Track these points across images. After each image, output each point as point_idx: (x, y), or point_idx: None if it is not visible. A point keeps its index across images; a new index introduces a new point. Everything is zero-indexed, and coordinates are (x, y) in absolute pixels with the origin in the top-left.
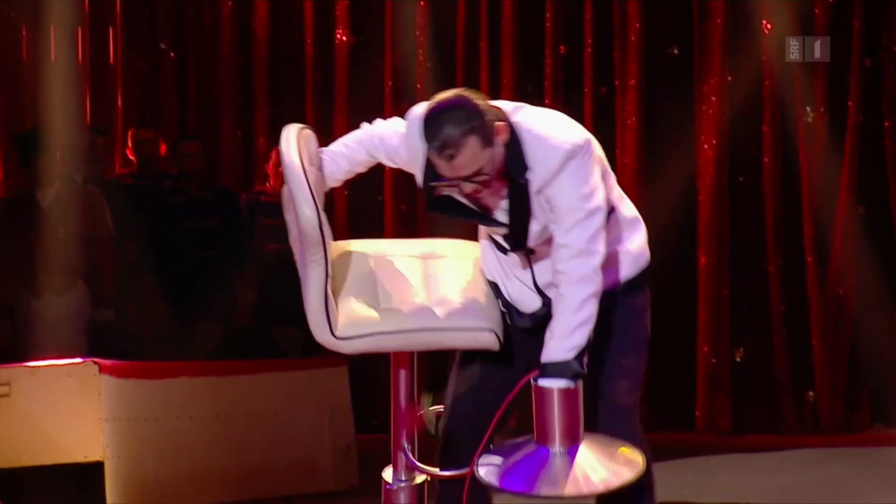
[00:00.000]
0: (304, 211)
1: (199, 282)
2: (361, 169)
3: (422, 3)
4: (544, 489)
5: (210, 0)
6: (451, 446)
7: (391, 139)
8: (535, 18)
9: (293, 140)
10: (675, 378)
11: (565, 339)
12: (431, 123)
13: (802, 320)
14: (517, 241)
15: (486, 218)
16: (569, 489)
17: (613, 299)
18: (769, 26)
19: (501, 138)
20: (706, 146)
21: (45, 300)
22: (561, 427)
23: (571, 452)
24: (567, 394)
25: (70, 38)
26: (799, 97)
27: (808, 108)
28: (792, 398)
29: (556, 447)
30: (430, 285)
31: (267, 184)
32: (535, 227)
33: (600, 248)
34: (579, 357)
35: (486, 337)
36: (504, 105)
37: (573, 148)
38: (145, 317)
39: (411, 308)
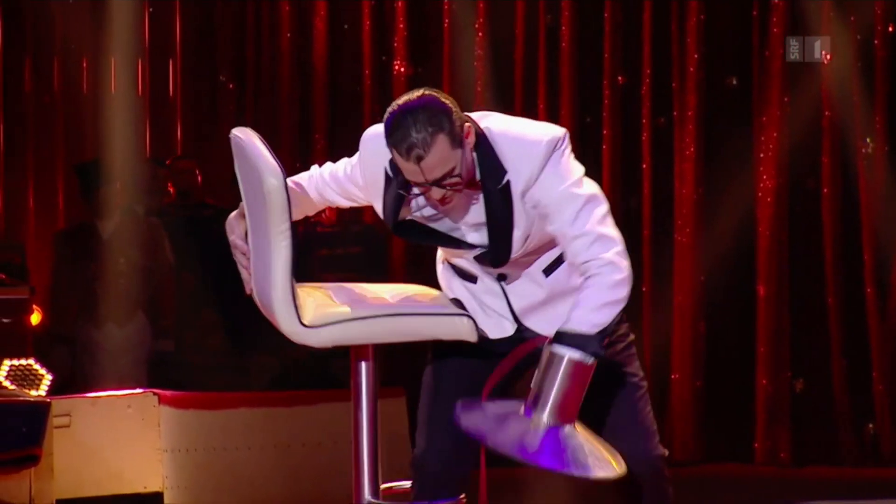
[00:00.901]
0: (268, 178)
1: (257, 314)
2: (309, 211)
3: (479, 34)
4: (543, 461)
5: (269, 32)
6: (426, 480)
7: (343, 171)
8: (594, 49)
9: (249, 130)
10: (734, 409)
11: (592, 312)
12: (397, 125)
13: (862, 351)
14: (499, 254)
15: (454, 240)
16: (550, 461)
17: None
18: (828, 57)
19: (470, 140)
20: (765, 177)
21: (106, 330)
22: (560, 400)
23: (555, 430)
24: (579, 368)
25: (130, 69)
26: (858, 128)
27: (867, 139)
28: (852, 430)
29: (544, 418)
30: (389, 296)
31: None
32: (517, 234)
33: (616, 234)
34: (600, 338)
35: (463, 323)
36: (469, 114)
37: (552, 140)
38: (203, 348)
39: (379, 301)
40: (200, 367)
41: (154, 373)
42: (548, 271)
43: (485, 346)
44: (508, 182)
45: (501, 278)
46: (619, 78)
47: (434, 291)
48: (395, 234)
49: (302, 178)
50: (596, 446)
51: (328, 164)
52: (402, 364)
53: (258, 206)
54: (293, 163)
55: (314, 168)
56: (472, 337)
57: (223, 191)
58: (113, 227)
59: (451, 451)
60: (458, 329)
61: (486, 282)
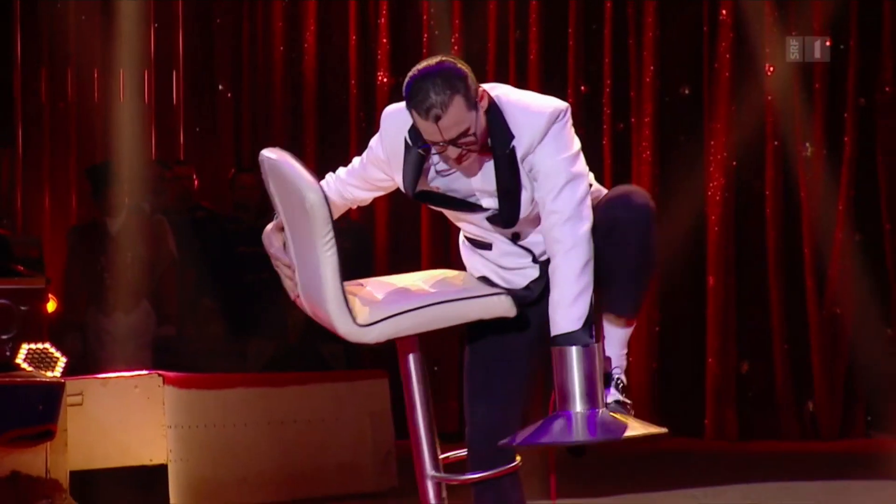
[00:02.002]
0: (308, 194)
1: (253, 303)
2: (334, 215)
3: (455, 47)
4: (576, 436)
5: (263, 46)
6: (477, 450)
7: (361, 161)
8: (559, 61)
9: (278, 149)
10: (686, 390)
11: (569, 309)
12: (417, 89)
13: (802, 337)
14: (510, 215)
15: (469, 205)
16: (600, 434)
17: None
18: (771, 69)
19: (483, 104)
20: (714, 178)
21: (114, 318)
22: (581, 386)
23: (593, 412)
24: (584, 353)
25: (137, 79)
26: (799, 133)
27: (807, 144)
28: (793, 408)
29: (578, 407)
30: (426, 285)
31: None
32: (525, 196)
33: (589, 214)
34: (586, 327)
35: (503, 301)
36: (482, 84)
37: (555, 111)
38: (204, 334)
39: (419, 291)
40: (202, 351)
41: (159, 356)
42: None
43: (519, 316)
44: (514, 147)
45: (515, 238)
46: (582, 87)
47: (458, 271)
48: (415, 199)
49: (328, 182)
50: (629, 418)
51: (341, 168)
52: (385, 349)
53: (300, 220)
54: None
55: (329, 175)
56: (512, 312)
57: (219, 191)
58: (121, 223)
59: (496, 423)
60: (498, 307)
61: (501, 245)
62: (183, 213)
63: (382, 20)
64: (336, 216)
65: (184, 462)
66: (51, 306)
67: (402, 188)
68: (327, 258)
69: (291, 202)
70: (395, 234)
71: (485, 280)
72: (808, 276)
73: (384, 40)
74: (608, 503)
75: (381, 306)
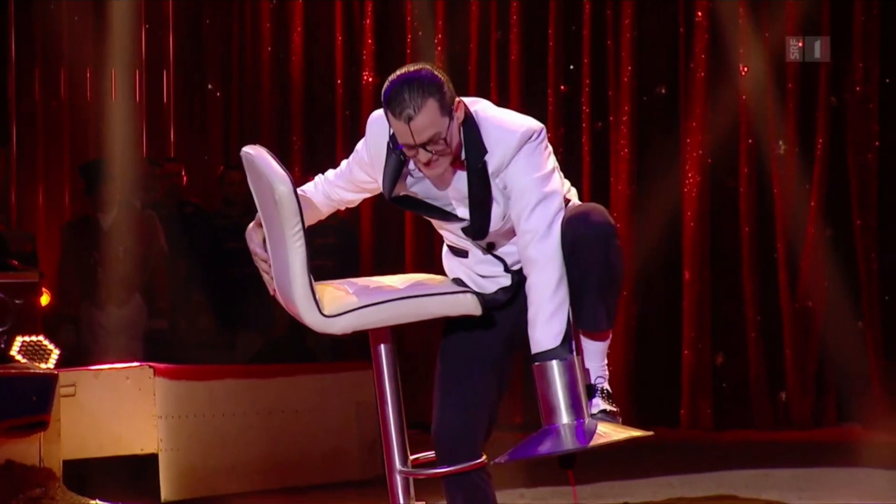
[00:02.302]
0: (278, 186)
1: (242, 296)
2: (320, 216)
3: (439, 48)
4: (566, 445)
5: (252, 46)
6: (444, 447)
7: (348, 163)
8: (539, 61)
9: (258, 146)
10: (662, 381)
11: (546, 326)
12: (394, 91)
13: (775, 329)
14: (479, 228)
15: (444, 213)
16: (587, 441)
17: None
18: (745, 69)
19: (459, 115)
20: (690, 175)
21: (107, 311)
22: (566, 399)
23: (579, 422)
24: (564, 367)
25: (129, 79)
26: (772, 132)
27: (780, 142)
28: (766, 398)
29: (565, 419)
30: (399, 284)
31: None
32: (496, 211)
33: (558, 230)
34: (565, 342)
35: (468, 299)
36: (463, 98)
37: (528, 131)
38: (194, 327)
39: (388, 288)
40: (192, 343)
41: (150, 348)
42: None
43: (488, 316)
44: (486, 162)
45: (490, 247)
46: (562, 87)
47: (439, 276)
48: (392, 202)
49: (308, 187)
50: (616, 425)
51: (330, 171)
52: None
53: (272, 213)
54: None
55: (318, 177)
56: (477, 311)
57: (208, 188)
58: (113, 219)
59: (462, 420)
60: (463, 305)
61: (477, 253)
62: (172, 208)
63: (368, 21)
64: (323, 216)
65: (174, 451)
66: (44, 300)
67: (380, 187)
68: (295, 249)
69: (265, 196)
70: (379, 237)
71: (459, 283)
72: (781, 271)
73: (369, 41)
74: (586, 491)
75: (348, 299)
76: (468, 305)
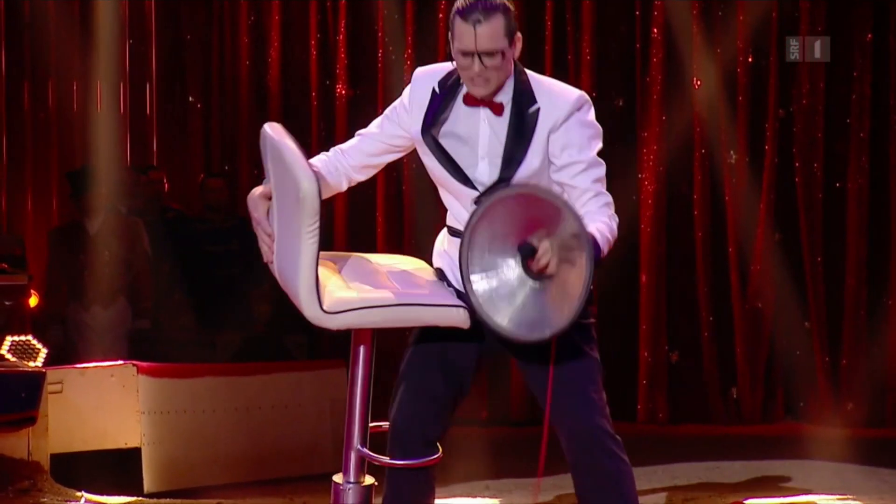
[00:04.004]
0: (303, 182)
1: (222, 297)
2: (325, 193)
3: (408, 62)
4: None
5: (231, 60)
6: (400, 438)
7: (381, 122)
8: None
9: (279, 128)
10: (620, 377)
11: (603, 239)
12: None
13: (727, 328)
14: (508, 169)
15: (462, 175)
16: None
17: None
18: (699, 83)
19: (515, 51)
20: (646, 183)
21: (92, 312)
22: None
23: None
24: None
25: (113, 91)
26: (724, 142)
27: (731, 152)
28: (719, 395)
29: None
30: (394, 280)
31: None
32: (524, 169)
33: (608, 196)
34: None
35: (460, 313)
36: None
37: (584, 96)
38: (176, 326)
39: (387, 289)
40: (174, 341)
41: (133, 347)
42: None
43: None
44: (538, 111)
45: None
46: None
47: (422, 265)
48: (422, 136)
49: (319, 159)
50: None
51: (348, 141)
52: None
53: (290, 202)
54: (251, 170)
55: (333, 149)
56: (466, 325)
57: (190, 194)
58: (98, 224)
59: (422, 416)
60: (454, 318)
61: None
62: (155, 214)
63: (341, 37)
64: (331, 193)
65: (156, 445)
66: (33, 301)
67: (416, 134)
68: (308, 246)
69: (285, 183)
70: (353, 224)
71: (439, 273)
72: (733, 273)
73: (342, 55)
74: (547, 482)
75: (348, 297)
76: (458, 319)
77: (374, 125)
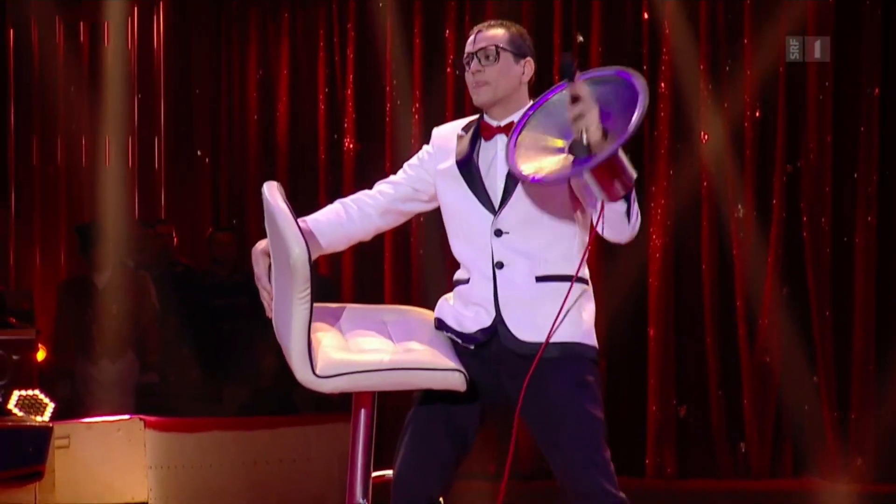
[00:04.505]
0: (294, 249)
1: (229, 350)
2: (353, 238)
3: (416, 116)
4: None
5: (239, 114)
6: (402, 496)
7: (404, 169)
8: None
9: (275, 190)
10: (628, 431)
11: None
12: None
13: (735, 382)
14: (513, 179)
15: (486, 196)
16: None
17: (558, 365)
18: (706, 137)
19: (527, 72)
20: (654, 237)
21: (101, 366)
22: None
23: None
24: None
25: (122, 145)
26: (732, 196)
27: (739, 206)
28: (727, 449)
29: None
30: (394, 336)
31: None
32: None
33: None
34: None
35: (455, 377)
36: None
37: None
38: (183, 380)
39: (382, 352)
40: (180, 395)
41: (140, 401)
42: (540, 279)
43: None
44: None
45: (499, 266)
46: None
47: (427, 317)
48: (457, 167)
49: (334, 209)
50: None
51: (377, 185)
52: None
53: (283, 266)
54: (259, 224)
55: (354, 195)
56: (462, 388)
57: (198, 248)
58: (106, 278)
59: (424, 475)
60: (449, 381)
61: (482, 269)
62: (163, 268)
63: (349, 91)
64: (344, 245)
65: (163, 500)
66: (41, 355)
67: (442, 171)
68: (299, 311)
69: (279, 246)
70: (359, 278)
71: (438, 322)
72: (741, 327)
73: (350, 109)
74: None
75: (341, 361)
76: (454, 382)
77: (397, 174)
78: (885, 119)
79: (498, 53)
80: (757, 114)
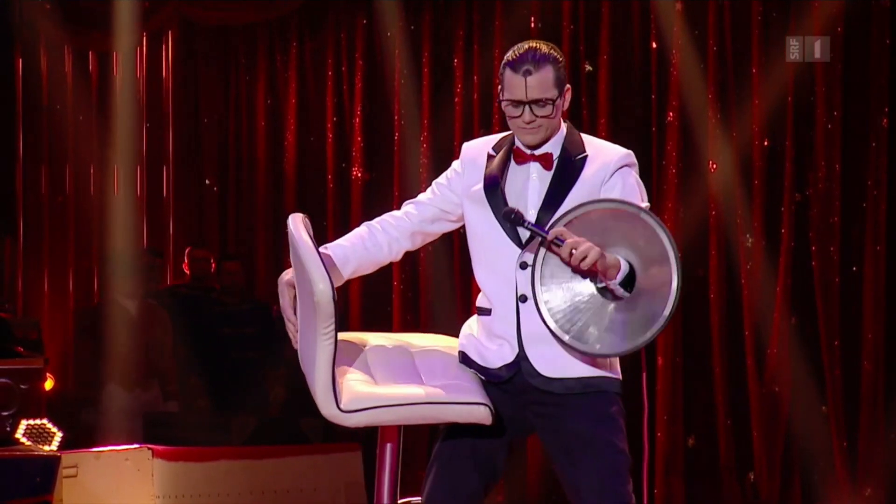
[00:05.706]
0: (318, 285)
1: (237, 380)
2: (381, 261)
3: (424, 145)
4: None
5: (247, 143)
6: None
7: (432, 188)
8: None
9: (300, 224)
10: (636, 460)
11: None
12: (518, 49)
13: (744, 412)
14: (547, 211)
15: (512, 228)
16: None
17: (581, 399)
18: (714, 166)
19: (565, 101)
20: None
21: (121, 395)
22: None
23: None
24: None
25: (130, 175)
26: (740, 225)
27: (748, 235)
28: (736, 479)
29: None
30: (421, 368)
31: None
32: (568, 204)
33: None
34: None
35: (480, 410)
36: None
37: (629, 154)
38: (191, 409)
39: (408, 385)
40: (188, 425)
41: (149, 430)
42: None
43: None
44: (585, 158)
45: (523, 300)
46: None
47: (453, 347)
48: (484, 191)
49: (359, 234)
50: None
51: (404, 205)
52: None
53: (307, 301)
54: (266, 253)
55: (380, 218)
56: (487, 421)
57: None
58: (135, 306)
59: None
60: (475, 415)
61: (505, 301)
62: (171, 297)
63: (357, 120)
64: (368, 270)
65: None
66: (49, 384)
67: (470, 193)
68: (324, 346)
69: (303, 280)
70: (367, 309)
71: (462, 356)
72: (749, 356)
73: (358, 139)
74: None
75: (366, 395)
76: (480, 416)
77: (425, 194)
78: (893, 149)
79: (553, 103)
80: (765, 143)
